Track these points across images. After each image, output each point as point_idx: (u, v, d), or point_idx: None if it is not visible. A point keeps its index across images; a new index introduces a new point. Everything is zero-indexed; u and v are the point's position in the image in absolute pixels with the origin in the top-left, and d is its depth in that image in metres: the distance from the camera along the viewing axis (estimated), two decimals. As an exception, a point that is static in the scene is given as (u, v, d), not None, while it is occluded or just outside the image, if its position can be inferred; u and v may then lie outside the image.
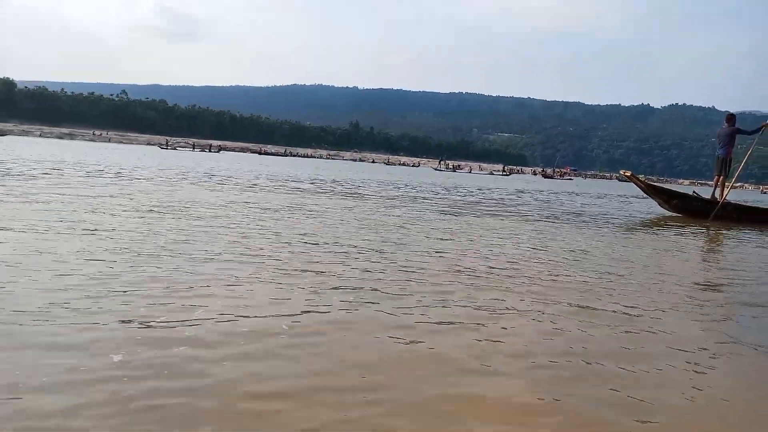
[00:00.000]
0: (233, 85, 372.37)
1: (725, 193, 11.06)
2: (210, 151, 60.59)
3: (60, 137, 74.08)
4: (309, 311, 2.77)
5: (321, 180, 16.63)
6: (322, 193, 11.39)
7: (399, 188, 15.47)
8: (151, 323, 2.40)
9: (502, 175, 56.97)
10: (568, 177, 74.44)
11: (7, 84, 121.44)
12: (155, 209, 6.24)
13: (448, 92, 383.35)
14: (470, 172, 60.41)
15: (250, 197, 8.96)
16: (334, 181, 16.86)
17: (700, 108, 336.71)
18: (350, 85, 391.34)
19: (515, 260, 4.63)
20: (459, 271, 4.00)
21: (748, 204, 12.41)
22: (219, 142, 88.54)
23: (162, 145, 62.06)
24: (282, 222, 6.14)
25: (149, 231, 4.71)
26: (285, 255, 4.11)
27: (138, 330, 2.31)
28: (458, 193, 15.18)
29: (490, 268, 4.19)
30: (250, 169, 20.50)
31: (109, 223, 5.01)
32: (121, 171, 13.25)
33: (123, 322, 2.39)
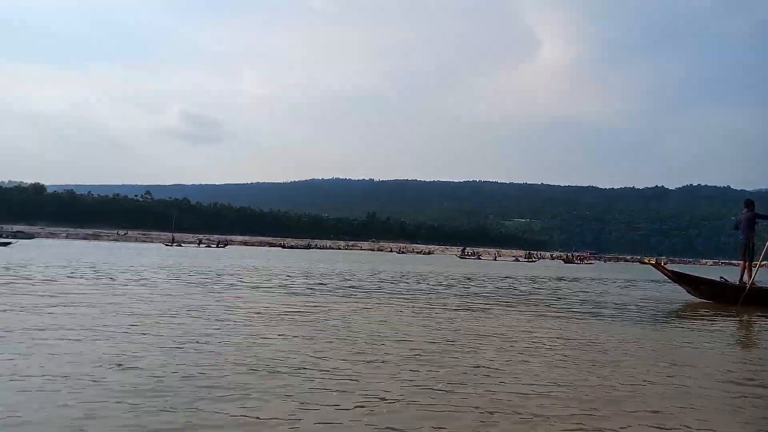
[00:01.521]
0: (254, 182, 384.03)
1: (752, 276, 11.02)
2: (218, 246, 61.27)
3: (85, 238, 76.25)
4: None
5: (326, 275, 16.76)
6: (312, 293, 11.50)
7: (449, 285, 15.54)
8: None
9: (528, 261, 56.71)
10: (589, 261, 73.80)
11: (37, 188, 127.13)
12: None
13: (461, 181, 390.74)
14: (495, 260, 60.36)
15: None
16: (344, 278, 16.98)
17: (716, 188, 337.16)
18: (366, 178, 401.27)
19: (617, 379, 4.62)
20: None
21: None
22: (230, 237, 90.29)
23: (167, 242, 62.50)
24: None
25: None
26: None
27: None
28: (519, 289, 15.16)
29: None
30: (230, 264, 20.83)
31: None
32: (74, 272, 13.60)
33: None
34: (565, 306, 9.83)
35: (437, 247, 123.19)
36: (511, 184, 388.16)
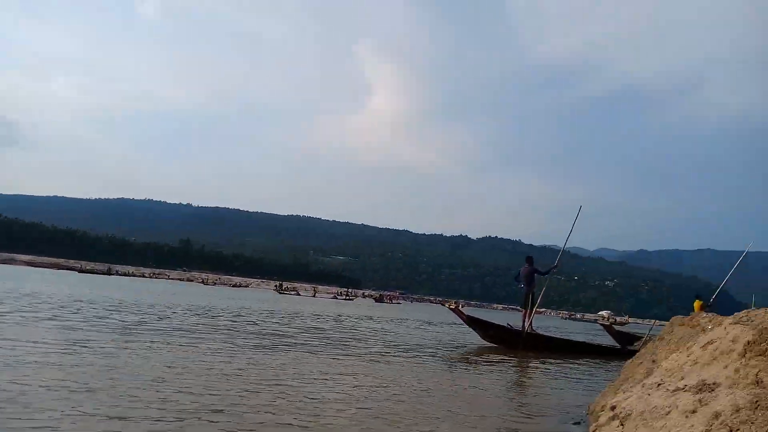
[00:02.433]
0: (52, 195, 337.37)
1: (528, 324, 12.67)
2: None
3: None
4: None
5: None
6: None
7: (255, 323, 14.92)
8: None
9: (346, 299, 57.60)
10: (397, 301, 77.87)
11: None
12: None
13: (286, 214, 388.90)
14: (314, 296, 60.33)
15: None
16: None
17: (510, 241, 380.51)
18: (184, 202, 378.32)
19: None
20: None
21: (548, 334, 14.13)
22: (14, 256, 78.73)
23: None
24: None
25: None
26: None
27: None
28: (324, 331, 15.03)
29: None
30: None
31: None
32: None
33: None
34: (363, 346, 10.15)
35: (254, 280, 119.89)
36: (334, 221, 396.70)
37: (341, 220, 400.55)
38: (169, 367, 5.74)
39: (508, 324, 13.30)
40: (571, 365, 10.32)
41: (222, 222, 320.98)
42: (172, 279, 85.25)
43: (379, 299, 68.50)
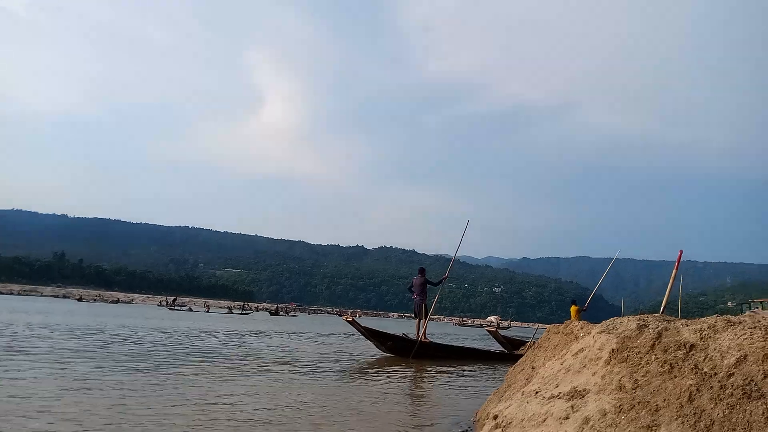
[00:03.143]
0: None
1: (422, 333, 13.04)
2: None
3: None
4: None
5: None
6: None
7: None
8: None
9: (242, 314, 55.56)
10: (294, 314, 76.70)
11: None
12: None
13: (172, 225, 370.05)
14: (208, 311, 57.67)
15: None
16: None
17: (404, 251, 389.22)
18: (58, 212, 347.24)
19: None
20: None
21: (442, 342, 14.61)
22: None
23: None
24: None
25: None
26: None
27: None
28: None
29: None
30: None
31: None
32: None
33: None
34: (260, 365, 9.90)
35: (139, 295, 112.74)
36: (225, 233, 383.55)
37: (233, 231, 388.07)
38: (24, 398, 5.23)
39: (403, 334, 13.59)
40: (463, 372, 10.74)
41: (102, 234, 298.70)
42: (44, 295, 78.06)
43: (275, 312, 67.02)
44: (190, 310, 58.87)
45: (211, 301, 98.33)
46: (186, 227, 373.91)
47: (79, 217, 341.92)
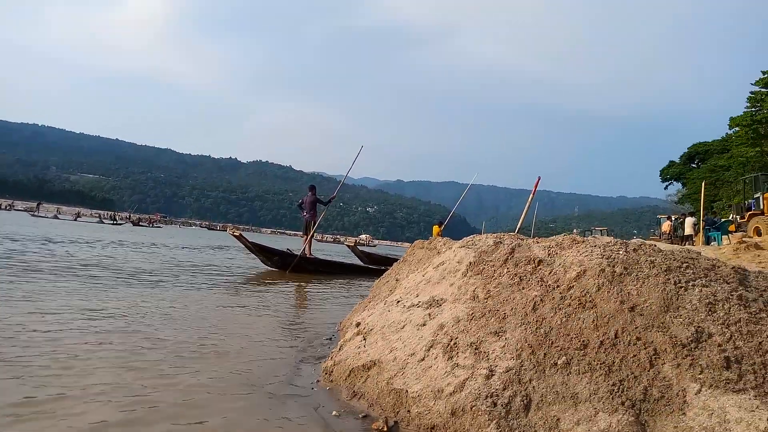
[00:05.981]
0: None
1: (306, 248, 13.23)
2: None
3: None
4: None
5: None
6: None
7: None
8: None
9: (114, 224, 51.31)
10: (158, 225, 73.01)
11: None
12: None
13: (19, 122, 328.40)
14: (75, 220, 52.49)
15: None
16: None
17: (281, 167, 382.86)
18: None
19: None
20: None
21: (323, 258, 14.88)
22: None
23: None
24: None
25: None
26: None
27: None
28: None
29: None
30: None
31: None
32: None
33: None
34: (145, 278, 9.35)
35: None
36: (81, 134, 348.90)
37: (91, 134, 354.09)
38: None
39: (287, 249, 13.65)
40: (338, 285, 11.12)
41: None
42: None
43: (136, 222, 63.18)
44: (56, 217, 53.16)
45: (63, 208, 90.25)
46: (35, 125, 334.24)
47: None
